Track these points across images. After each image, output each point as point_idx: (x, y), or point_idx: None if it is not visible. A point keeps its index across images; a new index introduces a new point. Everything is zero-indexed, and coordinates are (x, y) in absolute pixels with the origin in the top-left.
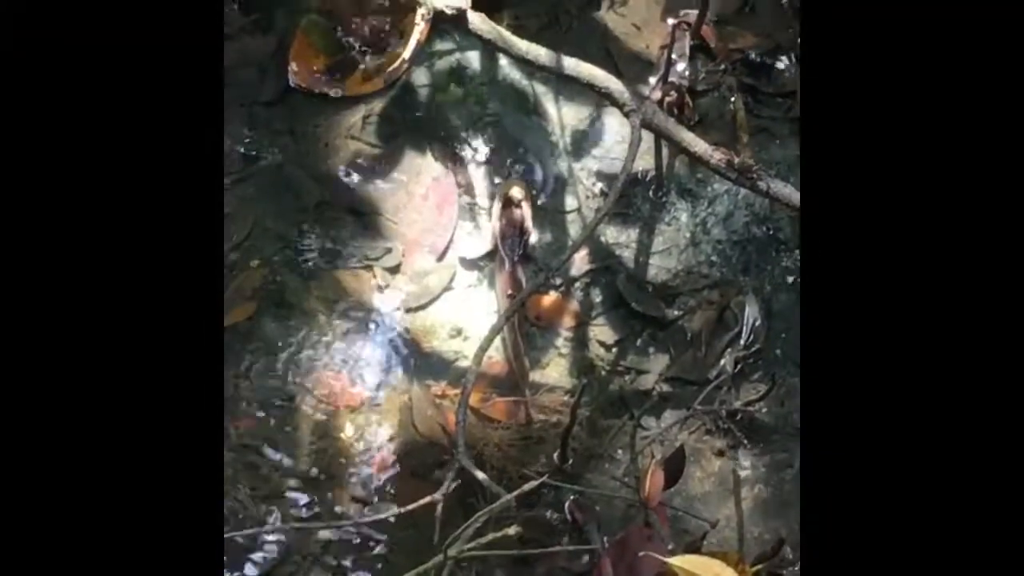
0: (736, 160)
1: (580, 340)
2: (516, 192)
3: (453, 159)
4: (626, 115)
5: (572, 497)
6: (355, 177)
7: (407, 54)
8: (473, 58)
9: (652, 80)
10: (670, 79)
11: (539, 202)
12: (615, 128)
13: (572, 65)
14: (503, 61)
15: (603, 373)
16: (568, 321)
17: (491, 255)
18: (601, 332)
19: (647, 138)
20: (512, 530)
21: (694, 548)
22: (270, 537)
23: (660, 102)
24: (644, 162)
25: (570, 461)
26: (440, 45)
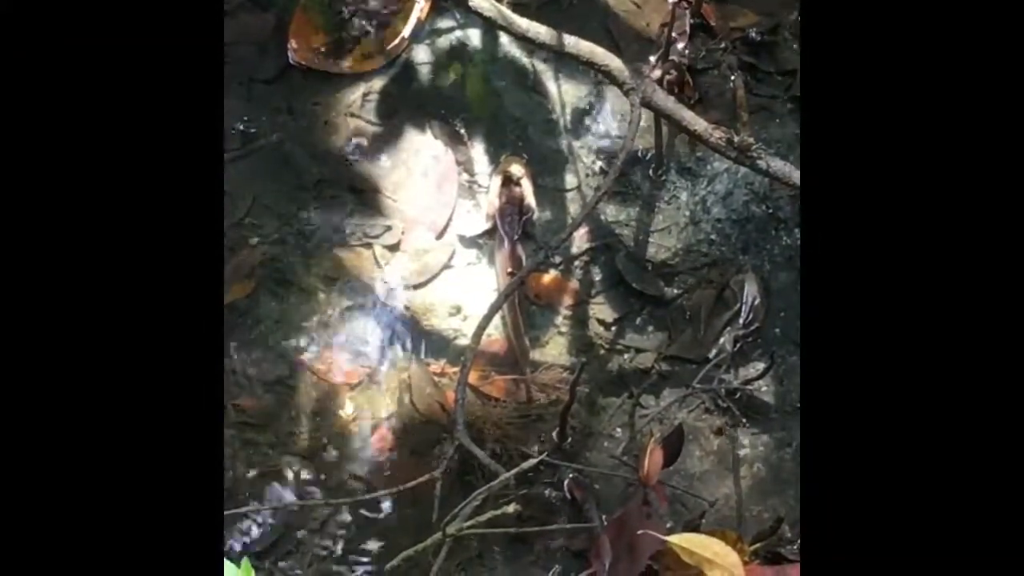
0: (736, 139)
1: (579, 318)
2: (515, 169)
3: (453, 137)
4: (626, 93)
5: (571, 475)
6: (355, 155)
7: (407, 31)
8: (474, 36)
9: (652, 58)
10: (670, 57)
11: (538, 180)
12: (615, 106)
13: (572, 43)
14: (503, 39)
15: (602, 351)
16: (567, 299)
17: (491, 233)
18: (600, 310)
19: (647, 116)
20: (511, 508)
21: (693, 527)
22: (269, 514)
23: (660, 80)
24: (644, 140)
25: (569, 439)
26: (441, 23)
